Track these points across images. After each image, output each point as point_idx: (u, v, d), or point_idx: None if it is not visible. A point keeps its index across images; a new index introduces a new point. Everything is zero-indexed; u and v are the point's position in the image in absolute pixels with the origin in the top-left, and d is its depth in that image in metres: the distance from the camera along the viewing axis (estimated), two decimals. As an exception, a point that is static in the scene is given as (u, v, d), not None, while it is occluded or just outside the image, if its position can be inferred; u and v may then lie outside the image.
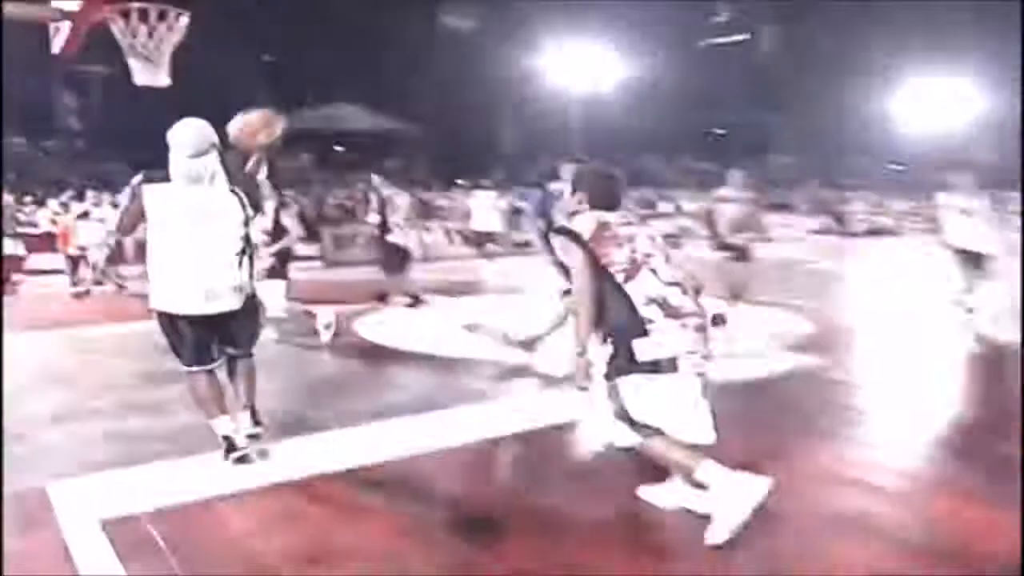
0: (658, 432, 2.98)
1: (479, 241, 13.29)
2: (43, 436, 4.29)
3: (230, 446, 3.73)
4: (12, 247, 13.15)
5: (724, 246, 7.09)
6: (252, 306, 3.83)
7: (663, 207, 23.41)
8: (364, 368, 6.25)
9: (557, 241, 3.13)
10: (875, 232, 21.88)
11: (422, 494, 3.48)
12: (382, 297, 8.97)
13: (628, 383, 2.98)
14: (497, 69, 33.13)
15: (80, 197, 14.67)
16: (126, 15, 6.27)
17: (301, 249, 17.25)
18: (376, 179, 9.35)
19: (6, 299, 11.29)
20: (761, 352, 6.20)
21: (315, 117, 30.37)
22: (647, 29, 33.34)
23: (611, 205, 3.19)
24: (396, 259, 8.95)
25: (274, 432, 4.04)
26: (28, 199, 18.43)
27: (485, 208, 13.25)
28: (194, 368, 3.72)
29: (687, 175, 32.16)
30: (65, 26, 6.44)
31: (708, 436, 3.02)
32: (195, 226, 3.54)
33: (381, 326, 7.74)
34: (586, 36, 30.13)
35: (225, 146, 3.67)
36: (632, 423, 3.00)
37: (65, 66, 22.99)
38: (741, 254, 7.05)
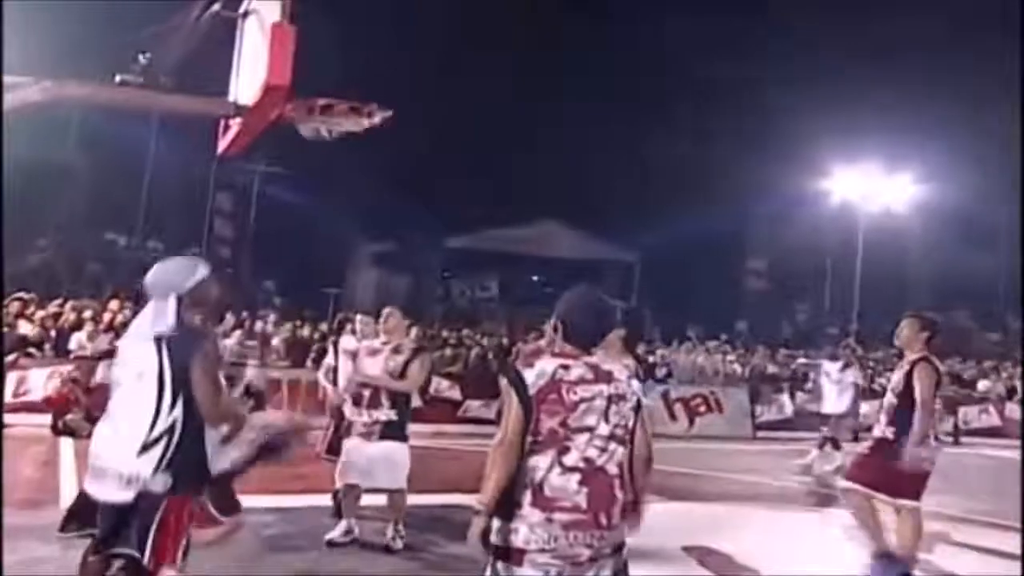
0: None
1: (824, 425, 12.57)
2: None
3: None
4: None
5: None
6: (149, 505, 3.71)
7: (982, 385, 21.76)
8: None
9: (503, 383, 3.46)
10: None
11: None
12: None
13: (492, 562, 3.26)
14: (752, 190, 32.89)
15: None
16: (310, 111, 6.59)
17: (475, 410, 17.38)
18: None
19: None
20: None
21: (510, 237, 31.15)
22: (951, 138, 32.11)
23: (591, 342, 3.44)
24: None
25: None
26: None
27: (833, 383, 12.53)
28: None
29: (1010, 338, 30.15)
30: (235, 123, 6.76)
31: None
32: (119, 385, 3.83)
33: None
34: (874, 148, 29.59)
35: None
36: None
37: (223, 165, 24.98)
38: None
